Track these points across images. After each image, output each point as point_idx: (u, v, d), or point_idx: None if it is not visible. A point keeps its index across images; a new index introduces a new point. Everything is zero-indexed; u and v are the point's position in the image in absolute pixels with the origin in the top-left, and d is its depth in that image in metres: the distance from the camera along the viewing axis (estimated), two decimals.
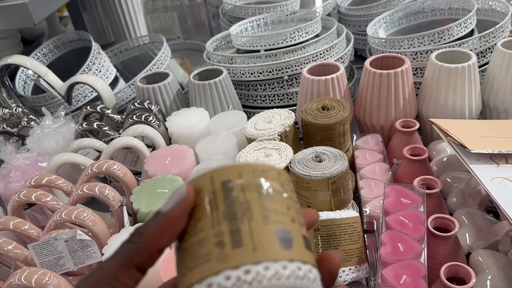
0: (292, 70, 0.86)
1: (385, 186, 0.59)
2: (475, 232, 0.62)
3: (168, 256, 0.53)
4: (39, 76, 0.85)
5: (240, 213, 0.23)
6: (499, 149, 0.61)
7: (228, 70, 0.88)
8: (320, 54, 0.86)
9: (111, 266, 0.24)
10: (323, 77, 0.77)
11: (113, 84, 1.06)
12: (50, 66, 1.11)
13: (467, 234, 0.62)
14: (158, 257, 0.25)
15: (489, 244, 0.60)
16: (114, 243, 0.55)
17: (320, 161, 0.62)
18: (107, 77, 1.02)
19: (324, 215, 0.55)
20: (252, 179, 0.24)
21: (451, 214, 0.67)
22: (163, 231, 0.24)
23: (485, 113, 0.81)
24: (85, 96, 1.00)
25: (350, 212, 0.56)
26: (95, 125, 0.78)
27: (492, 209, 0.65)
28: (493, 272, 0.55)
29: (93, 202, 0.81)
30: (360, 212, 0.66)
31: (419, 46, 0.83)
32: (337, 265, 0.26)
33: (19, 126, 0.84)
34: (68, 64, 1.12)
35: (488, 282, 0.55)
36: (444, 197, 0.71)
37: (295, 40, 0.90)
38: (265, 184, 0.24)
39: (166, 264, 0.52)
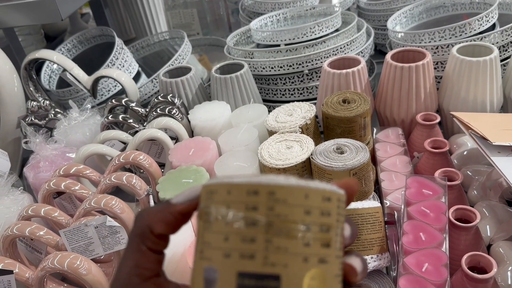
0: (312, 64, 0.87)
1: (406, 177, 0.60)
2: (496, 224, 0.63)
3: (192, 243, 0.55)
4: (65, 70, 0.88)
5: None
6: None
7: (249, 64, 0.90)
8: (341, 48, 0.87)
9: (129, 258, 0.25)
10: (344, 71, 0.77)
11: (135, 79, 1.09)
12: (73, 61, 1.14)
13: (488, 226, 0.63)
14: (165, 240, 0.26)
15: (510, 236, 0.60)
16: None
17: (342, 152, 0.63)
18: (130, 72, 1.05)
19: None
20: (204, 203, 0.22)
21: (471, 207, 0.67)
22: (164, 219, 0.25)
23: (506, 107, 0.81)
24: (109, 90, 1.03)
25: (372, 203, 0.57)
26: (120, 117, 0.80)
27: None
28: None
29: (117, 193, 0.83)
30: (381, 203, 0.67)
31: (440, 40, 0.83)
32: (354, 188, 0.25)
33: (47, 118, 0.86)
34: (91, 59, 1.15)
35: (509, 273, 0.55)
36: (464, 190, 0.72)
37: (315, 34, 0.91)
38: (211, 209, 0.22)
39: (192, 249, 0.54)
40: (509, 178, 0.57)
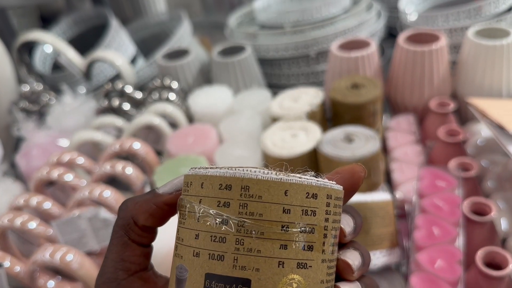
0: (319, 47, 0.83)
1: (419, 168, 0.56)
2: (511, 218, 0.59)
3: None
4: (59, 53, 0.84)
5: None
6: None
7: (252, 47, 0.85)
8: (350, 30, 0.82)
9: (113, 251, 0.24)
10: (353, 54, 0.73)
11: (134, 62, 1.05)
12: (69, 43, 1.10)
13: (503, 220, 0.59)
14: (151, 232, 0.25)
15: None
16: None
17: (350, 141, 0.59)
18: (127, 55, 1.00)
19: (356, 197, 0.52)
20: (182, 195, 0.22)
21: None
22: (149, 210, 0.23)
23: None
24: (106, 75, 0.99)
25: (382, 195, 0.53)
26: (116, 103, 0.76)
27: None
28: None
29: (112, 182, 0.80)
30: (392, 196, 0.64)
31: (454, 22, 0.79)
32: (359, 175, 0.23)
33: (40, 103, 0.83)
34: (88, 42, 1.11)
35: None
36: (479, 181, 0.68)
37: (322, 15, 0.87)
38: (184, 202, 0.21)
39: None
40: None
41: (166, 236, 0.52)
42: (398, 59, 0.74)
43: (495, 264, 0.48)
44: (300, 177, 0.19)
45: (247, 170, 0.19)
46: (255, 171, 0.19)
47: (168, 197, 0.23)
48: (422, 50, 0.70)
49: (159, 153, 0.75)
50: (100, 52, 0.85)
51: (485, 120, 0.62)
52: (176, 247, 0.21)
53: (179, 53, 0.87)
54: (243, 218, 0.19)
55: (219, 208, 0.19)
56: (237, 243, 0.19)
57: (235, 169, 0.19)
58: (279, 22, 0.88)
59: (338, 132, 0.61)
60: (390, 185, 0.64)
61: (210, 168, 0.20)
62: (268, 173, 0.19)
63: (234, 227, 0.19)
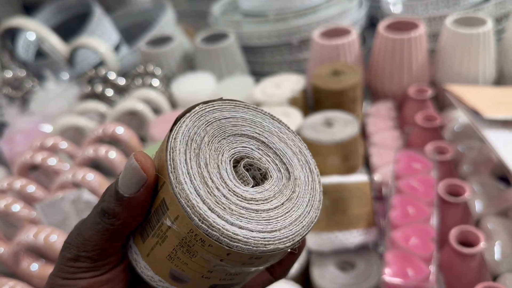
0: (301, 35, 0.84)
1: (396, 151, 0.58)
2: (486, 200, 0.61)
3: None
4: (42, 39, 0.83)
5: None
6: None
7: (235, 34, 0.86)
8: (331, 18, 0.84)
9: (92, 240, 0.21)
10: (334, 41, 0.75)
11: (117, 50, 1.04)
12: (53, 31, 1.09)
13: (477, 202, 0.62)
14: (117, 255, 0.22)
15: (499, 211, 0.59)
16: None
17: (330, 126, 0.61)
18: (111, 43, 1.00)
19: (334, 178, 0.54)
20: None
21: None
22: (134, 215, 0.21)
23: (500, 82, 0.79)
24: (90, 63, 0.98)
25: (359, 177, 0.55)
26: (99, 88, 0.76)
27: (504, 177, 0.64)
28: (502, 239, 0.55)
29: (97, 168, 0.80)
30: (370, 179, 0.66)
31: (433, 11, 0.80)
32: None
33: (23, 89, 0.82)
34: (71, 30, 1.10)
35: (496, 248, 0.54)
36: (456, 166, 0.70)
37: (305, 4, 0.87)
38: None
39: None
40: (499, 152, 0.55)
41: None
42: (378, 46, 0.75)
43: (468, 242, 0.50)
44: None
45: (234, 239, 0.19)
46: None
47: (142, 197, 0.20)
48: (401, 38, 0.72)
49: (142, 139, 0.76)
50: (83, 39, 0.85)
51: (461, 106, 0.64)
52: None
53: (163, 40, 0.87)
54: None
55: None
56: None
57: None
58: (263, 10, 0.89)
59: (318, 117, 0.63)
60: (369, 168, 0.65)
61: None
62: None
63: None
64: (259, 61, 0.89)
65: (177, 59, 0.84)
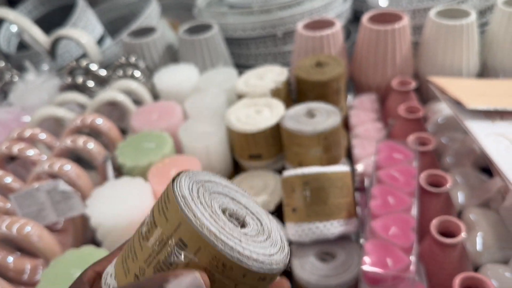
0: (286, 27, 0.83)
1: (377, 142, 0.58)
2: (468, 191, 0.61)
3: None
4: (22, 30, 0.82)
5: None
6: (495, 105, 0.59)
7: (220, 26, 0.85)
8: (316, 10, 0.83)
9: None
10: (318, 33, 0.74)
11: (101, 42, 1.03)
12: (35, 23, 1.07)
13: (460, 193, 0.61)
14: None
15: (481, 202, 0.59)
16: (98, 195, 0.54)
17: (313, 116, 0.60)
18: (94, 35, 0.99)
19: (315, 169, 0.53)
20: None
21: None
22: None
23: (483, 73, 0.79)
24: (72, 55, 0.97)
25: (341, 167, 0.54)
26: (80, 80, 0.75)
27: (486, 168, 0.63)
28: (483, 230, 0.54)
29: (78, 161, 0.79)
30: (352, 170, 0.65)
31: (417, 4, 0.80)
32: None
33: (2, 80, 0.81)
34: (55, 23, 1.08)
35: (478, 239, 0.54)
36: (439, 157, 0.70)
37: None
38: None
39: None
40: (481, 142, 0.55)
41: (121, 210, 0.52)
42: (362, 38, 0.75)
43: (449, 233, 0.50)
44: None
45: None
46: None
47: None
48: (385, 29, 0.71)
49: (124, 131, 0.75)
50: (64, 30, 0.84)
51: (444, 97, 0.64)
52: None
53: (146, 32, 0.86)
54: None
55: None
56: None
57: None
58: (248, 2, 0.88)
59: (301, 108, 0.62)
60: (352, 160, 0.65)
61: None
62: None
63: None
64: (244, 53, 0.88)
65: (160, 50, 0.83)
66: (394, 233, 0.46)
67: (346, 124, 0.73)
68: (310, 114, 0.60)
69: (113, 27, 1.16)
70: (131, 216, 0.51)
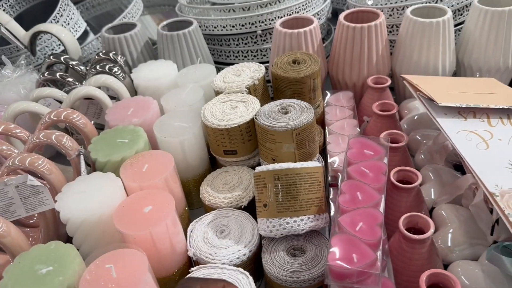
0: (266, 25, 0.83)
1: (349, 138, 0.58)
2: (440, 187, 0.62)
3: (123, 204, 0.51)
4: (0, 24, 0.81)
5: None
6: (467, 102, 0.59)
7: (200, 23, 0.85)
8: (296, 8, 0.83)
9: None
10: (296, 30, 0.74)
11: (83, 38, 1.02)
12: (17, 19, 1.06)
13: (432, 189, 0.62)
14: None
15: (453, 199, 0.59)
16: (68, 191, 0.53)
17: (286, 112, 0.60)
18: (76, 30, 0.98)
19: (285, 165, 0.53)
20: None
21: (418, 170, 0.67)
22: None
23: (459, 72, 0.79)
24: (52, 49, 0.96)
25: (312, 163, 0.55)
26: (57, 75, 0.74)
27: (459, 165, 0.64)
28: (455, 226, 0.55)
29: (56, 157, 0.79)
30: (326, 166, 0.65)
31: (396, 2, 0.81)
32: None
33: None
34: (38, 18, 1.07)
35: (449, 235, 0.55)
36: (412, 154, 0.71)
37: None
38: None
39: (121, 211, 0.50)
40: (452, 139, 0.55)
41: (90, 205, 0.51)
42: (339, 36, 0.75)
43: (418, 229, 0.50)
44: None
45: None
46: None
47: None
48: (361, 26, 0.72)
49: (102, 127, 0.74)
50: (43, 25, 0.83)
51: (418, 94, 0.65)
52: None
53: (126, 27, 0.86)
54: None
55: None
56: None
57: None
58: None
59: (275, 104, 0.62)
60: (326, 156, 0.65)
61: None
62: None
63: None
64: (225, 50, 0.88)
65: (139, 46, 0.82)
66: (361, 229, 0.47)
67: (322, 121, 0.73)
68: (284, 110, 0.61)
69: (99, 22, 1.15)
70: (100, 211, 0.51)
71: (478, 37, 0.73)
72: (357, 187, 0.51)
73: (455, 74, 0.81)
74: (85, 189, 0.53)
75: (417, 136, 0.70)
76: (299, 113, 0.59)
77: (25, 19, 1.08)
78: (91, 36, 1.04)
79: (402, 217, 0.49)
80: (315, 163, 0.55)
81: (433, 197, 0.61)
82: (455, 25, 0.81)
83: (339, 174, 0.61)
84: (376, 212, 0.48)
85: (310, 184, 0.53)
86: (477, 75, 0.76)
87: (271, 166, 0.53)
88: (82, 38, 1.01)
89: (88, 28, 1.05)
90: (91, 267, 0.44)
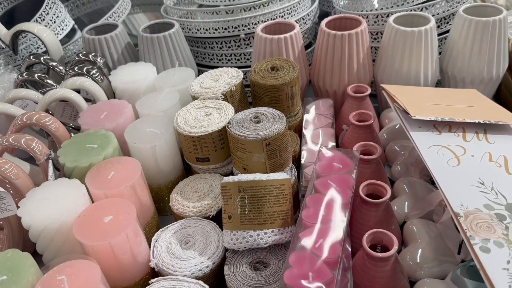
0: (249, 28, 0.82)
1: (319, 150, 0.57)
2: (414, 201, 0.61)
3: (84, 213, 0.51)
4: None
5: None
6: (443, 116, 0.58)
7: (183, 25, 0.84)
8: (280, 13, 0.82)
9: None
10: (276, 36, 0.73)
11: (71, 36, 1.02)
12: (3, 17, 1.06)
13: (406, 203, 0.61)
14: None
15: (425, 214, 0.58)
16: (32, 197, 0.53)
17: (258, 122, 0.59)
18: (63, 29, 0.97)
19: (251, 176, 0.52)
20: None
21: (393, 182, 0.66)
22: None
23: (443, 82, 0.78)
24: (38, 47, 0.95)
25: (279, 175, 0.54)
26: (36, 76, 0.74)
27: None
28: (424, 242, 0.54)
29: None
30: (299, 176, 0.64)
31: (382, 8, 0.79)
32: None
33: None
34: (26, 15, 1.07)
35: (419, 251, 0.54)
36: (390, 165, 0.69)
37: None
38: None
39: (81, 219, 0.50)
40: (423, 153, 0.54)
41: (52, 212, 0.51)
42: (320, 43, 0.74)
43: (383, 245, 0.49)
44: None
45: None
46: None
47: None
48: (342, 34, 0.70)
49: (78, 129, 0.74)
50: (25, 24, 0.82)
51: (394, 104, 0.63)
52: None
53: (108, 28, 0.85)
54: None
55: None
56: None
57: None
58: (214, 1, 0.86)
59: (248, 113, 0.61)
60: (299, 166, 0.64)
61: None
62: None
63: None
64: (208, 53, 0.87)
65: (120, 47, 0.82)
66: (320, 246, 0.46)
67: (300, 128, 0.72)
68: (256, 119, 0.60)
69: (92, 19, 1.14)
70: (62, 219, 0.50)
71: (462, 47, 0.72)
72: (321, 201, 0.50)
73: (439, 83, 0.80)
74: (49, 195, 0.52)
75: (395, 147, 0.69)
76: (270, 122, 0.58)
77: (15, 16, 1.08)
78: (78, 34, 1.04)
79: (366, 234, 0.48)
80: (282, 175, 0.54)
81: (406, 211, 0.60)
82: (442, 33, 0.80)
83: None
84: (338, 228, 0.47)
85: (276, 197, 0.52)
86: (461, 86, 0.74)
87: (237, 177, 0.53)
88: (69, 36, 1.00)
89: (76, 26, 1.04)
90: (44, 278, 0.44)
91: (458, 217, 0.45)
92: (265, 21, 0.81)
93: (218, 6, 0.87)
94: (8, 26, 0.88)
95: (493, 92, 0.75)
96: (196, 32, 0.84)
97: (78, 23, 1.10)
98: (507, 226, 0.43)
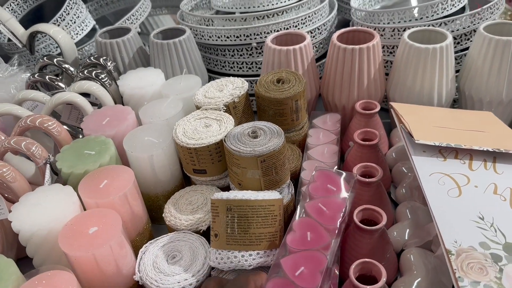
0: (261, 37, 0.80)
1: (315, 170, 0.55)
2: (415, 228, 0.58)
3: (71, 222, 0.51)
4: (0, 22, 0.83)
5: None
6: (449, 141, 0.55)
7: (196, 31, 0.84)
8: (294, 22, 0.80)
9: None
10: (285, 47, 0.71)
11: (91, 36, 1.03)
12: (28, 15, 1.08)
13: (407, 230, 0.58)
14: None
15: (425, 243, 0.55)
16: (25, 201, 0.53)
17: (256, 137, 0.58)
18: (82, 29, 0.99)
19: (240, 194, 0.51)
20: None
21: (396, 206, 0.63)
22: None
23: (460, 102, 0.74)
24: (57, 47, 0.97)
25: (270, 194, 0.52)
26: (47, 77, 0.75)
27: None
28: (421, 275, 0.51)
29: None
30: (297, 194, 0.63)
31: (399, 22, 0.76)
32: None
33: None
34: (49, 15, 1.09)
35: (415, 283, 0.51)
36: (395, 186, 0.67)
37: (272, 4, 0.84)
38: None
39: (67, 229, 0.50)
40: (423, 181, 0.51)
41: (41, 218, 0.51)
42: (331, 56, 0.71)
43: (372, 276, 0.47)
44: None
45: None
46: None
47: None
48: (352, 48, 0.68)
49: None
50: (41, 25, 0.84)
51: (400, 125, 0.61)
52: None
53: (122, 31, 0.85)
54: None
55: None
56: None
57: None
58: (229, 8, 0.85)
59: (247, 127, 0.60)
60: (298, 183, 0.63)
61: None
62: None
63: None
64: (220, 60, 0.86)
65: (131, 52, 0.82)
66: (301, 274, 0.44)
67: (304, 143, 0.70)
68: (254, 134, 0.58)
69: (118, 18, 1.15)
70: (50, 226, 0.50)
71: (480, 66, 0.68)
72: (309, 225, 0.48)
73: (456, 102, 0.76)
74: (41, 201, 0.53)
75: (403, 168, 0.66)
76: (268, 138, 0.57)
77: (39, 14, 1.10)
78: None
79: (353, 264, 0.46)
80: (274, 195, 0.52)
81: (406, 238, 0.57)
82: (462, 50, 0.76)
83: None
84: (321, 256, 0.45)
85: (264, 218, 0.50)
86: (478, 106, 0.70)
87: (225, 195, 0.51)
88: (90, 36, 1.01)
89: (97, 26, 1.06)
90: None
91: (449, 255, 0.42)
92: (277, 31, 0.79)
93: (233, 13, 0.86)
94: (33, 24, 0.89)
95: None
96: (208, 39, 0.83)
97: (103, 22, 1.12)
98: (501, 268, 0.40)
